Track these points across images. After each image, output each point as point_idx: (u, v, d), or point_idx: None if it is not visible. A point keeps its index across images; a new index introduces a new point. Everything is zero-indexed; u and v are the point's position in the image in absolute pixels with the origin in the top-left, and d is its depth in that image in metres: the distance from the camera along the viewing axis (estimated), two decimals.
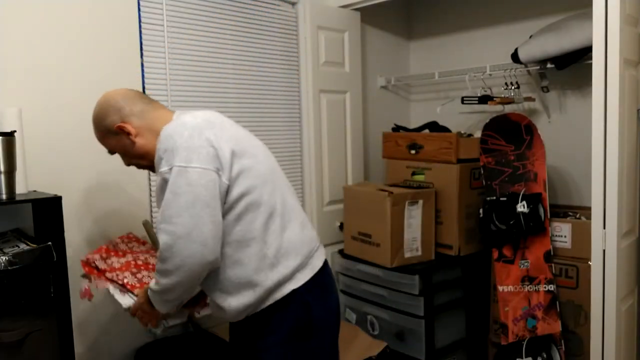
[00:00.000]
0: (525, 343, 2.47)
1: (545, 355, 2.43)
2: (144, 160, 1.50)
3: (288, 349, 1.42)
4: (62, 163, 2.10)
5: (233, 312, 1.42)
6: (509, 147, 2.65)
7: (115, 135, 1.50)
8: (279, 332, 1.42)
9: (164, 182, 1.30)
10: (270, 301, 1.41)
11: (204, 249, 1.28)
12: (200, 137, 1.31)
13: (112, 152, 1.56)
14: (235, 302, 1.40)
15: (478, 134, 2.87)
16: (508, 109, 2.90)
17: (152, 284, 1.43)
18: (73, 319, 1.88)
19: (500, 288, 2.53)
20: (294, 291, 1.41)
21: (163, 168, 1.30)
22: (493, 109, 2.99)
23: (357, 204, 2.72)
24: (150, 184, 2.38)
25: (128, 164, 1.57)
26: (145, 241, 2.01)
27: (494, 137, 2.69)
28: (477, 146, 2.70)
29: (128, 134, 1.48)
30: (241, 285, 1.39)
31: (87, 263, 1.78)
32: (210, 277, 1.41)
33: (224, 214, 1.34)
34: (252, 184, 1.37)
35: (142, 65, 2.34)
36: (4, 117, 1.86)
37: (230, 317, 1.46)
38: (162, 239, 1.28)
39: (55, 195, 1.85)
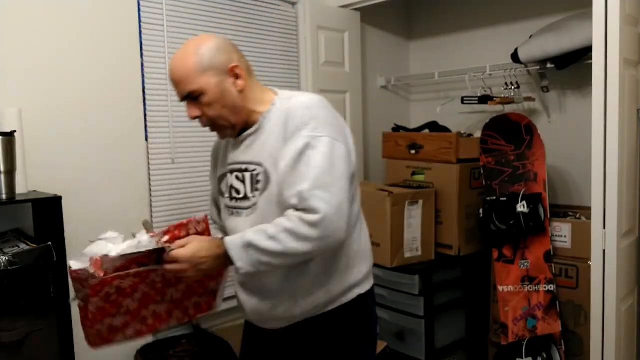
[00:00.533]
0: (525, 343, 2.47)
1: (545, 355, 2.43)
2: (235, 115, 1.32)
3: (352, 353, 1.40)
4: (62, 163, 2.10)
5: (299, 312, 1.36)
6: (509, 147, 2.65)
7: (220, 75, 1.29)
8: (344, 336, 1.39)
9: (307, 147, 1.23)
10: (338, 304, 1.38)
11: (346, 227, 1.22)
12: (339, 117, 1.34)
13: (194, 95, 1.29)
14: (310, 301, 1.36)
15: (478, 134, 2.87)
16: (508, 109, 2.90)
17: (261, 238, 1.21)
18: (73, 319, 1.88)
19: (500, 288, 2.53)
20: (359, 296, 1.40)
21: (312, 133, 1.24)
22: (493, 109, 2.98)
23: None
24: (150, 184, 2.38)
25: (210, 117, 1.31)
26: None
27: (494, 137, 2.68)
28: (477, 146, 2.70)
29: (237, 78, 1.32)
30: (319, 283, 1.35)
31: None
32: (300, 266, 1.31)
33: None
34: (355, 175, 1.37)
35: (142, 65, 2.34)
36: (4, 117, 1.86)
37: (291, 317, 1.37)
38: (317, 205, 1.18)
39: (55, 195, 1.85)
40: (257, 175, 1.32)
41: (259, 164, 1.32)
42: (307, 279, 1.33)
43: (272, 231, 1.20)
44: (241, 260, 1.21)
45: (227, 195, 1.42)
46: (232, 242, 1.22)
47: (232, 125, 1.33)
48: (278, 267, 1.27)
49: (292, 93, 1.39)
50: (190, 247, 1.23)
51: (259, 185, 1.32)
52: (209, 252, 1.23)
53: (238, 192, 1.37)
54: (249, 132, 1.35)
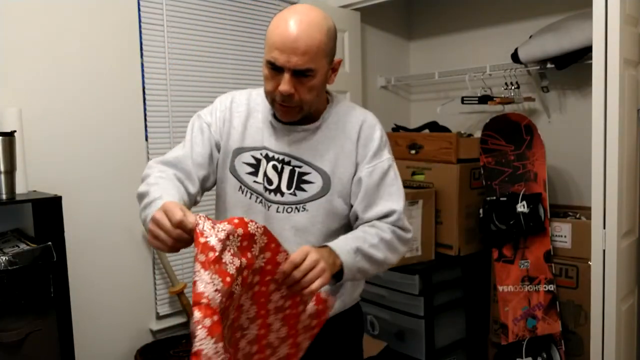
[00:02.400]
0: (525, 343, 2.47)
1: (545, 355, 2.43)
2: (312, 105, 1.23)
3: (358, 344, 1.49)
4: (62, 163, 2.10)
5: (350, 301, 1.40)
6: (509, 147, 2.65)
7: (329, 63, 1.22)
8: (353, 331, 1.45)
9: (390, 169, 1.32)
10: (353, 304, 1.42)
11: None
12: None
13: (306, 72, 1.15)
14: (359, 291, 1.43)
15: (478, 134, 2.87)
16: (508, 109, 2.90)
17: (365, 245, 1.19)
18: (73, 319, 1.88)
19: (500, 288, 2.53)
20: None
21: (389, 155, 1.33)
22: (493, 109, 2.98)
23: None
24: None
25: (303, 100, 1.19)
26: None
27: (494, 137, 2.68)
28: (477, 146, 2.70)
29: (334, 72, 1.26)
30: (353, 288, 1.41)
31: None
32: None
33: None
34: None
35: (142, 65, 2.34)
36: (4, 117, 1.86)
37: (341, 308, 1.36)
38: (408, 226, 1.30)
39: (55, 195, 1.85)
40: (304, 175, 1.25)
41: (312, 165, 1.25)
42: (346, 284, 1.33)
43: (373, 240, 1.21)
44: (348, 268, 1.15)
45: (253, 179, 1.28)
46: (341, 247, 1.16)
47: (308, 113, 1.24)
48: (365, 276, 1.27)
49: (342, 98, 1.37)
50: (313, 253, 1.06)
51: (307, 187, 1.25)
52: (328, 259, 1.10)
53: (271, 182, 1.26)
54: (307, 126, 1.27)
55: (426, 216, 2.65)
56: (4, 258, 1.66)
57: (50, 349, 1.81)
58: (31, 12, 2.02)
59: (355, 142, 1.27)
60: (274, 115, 1.27)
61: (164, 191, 1.13)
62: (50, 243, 1.77)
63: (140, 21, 2.32)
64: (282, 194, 1.26)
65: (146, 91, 2.36)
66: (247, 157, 1.28)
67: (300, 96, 1.17)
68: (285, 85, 1.14)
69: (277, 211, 1.26)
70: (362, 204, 1.26)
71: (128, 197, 2.30)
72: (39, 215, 1.96)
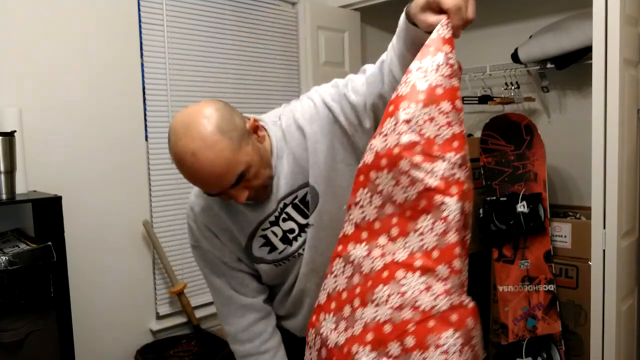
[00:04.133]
0: (525, 343, 2.46)
1: (545, 355, 2.43)
2: (269, 168, 1.12)
3: None
4: (62, 163, 2.10)
5: None
6: (509, 147, 2.65)
7: (249, 138, 1.06)
8: None
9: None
10: None
11: None
12: None
13: (243, 175, 1.03)
14: None
15: (478, 134, 2.87)
16: (508, 109, 2.90)
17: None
18: (73, 319, 1.88)
19: (500, 288, 2.53)
20: None
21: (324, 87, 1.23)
22: (493, 109, 2.98)
23: None
24: (150, 184, 2.38)
25: (257, 187, 1.09)
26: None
27: (494, 137, 2.68)
28: (477, 146, 2.70)
29: (257, 131, 1.10)
30: None
31: None
32: None
33: None
34: None
35: (142, 65, 2.34)
36: (4, 117, 1.86)
37: None
38: None
39: (55, 195, 1.85)
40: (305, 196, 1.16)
41: (294, 191, 1.15)
42: None
43: None
44: None
45: (278, 252, 1.20)
46: None
47: (270, 180, 1.13)
48: None
49: (269, 120, 1.20)
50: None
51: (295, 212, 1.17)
52: None
53: (286, 239, 1.18)
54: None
55: None
56: (4, 258, 1.66)
57: (50, 349, 1.81)
58: (31, 12, 2.02)
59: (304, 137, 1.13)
60: None
61: None
62: (50, 243, 1.77)
63: (140, 21, 2.32)
64: (290, 242, 1.19)
65: (146, 91, 2.36)
66: (259, 240, 1.19)
67: (255, 187, 1.07)
68: (239, 198, 1.05)
69: (301, 252, 1.19)
70: (360, 95, 1.10)
71: (128, 197, 2.30)
72: (39, 215, 1.96)
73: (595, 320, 2.04)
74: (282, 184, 1.14)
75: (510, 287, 2.52)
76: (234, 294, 1.24)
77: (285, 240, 1.18)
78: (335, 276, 0.94)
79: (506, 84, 2.87)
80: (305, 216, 1.16)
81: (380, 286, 0.85)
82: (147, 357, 2.25)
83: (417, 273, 0.82)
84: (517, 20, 3.02)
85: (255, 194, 1.10)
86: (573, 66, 2.60)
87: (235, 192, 1.04)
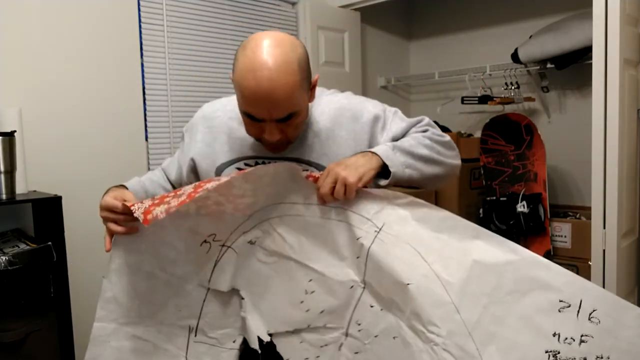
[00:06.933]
0: None
1: None
2: (302, 127, 1.14)
3: None
4: (62, 163, 2.10)
5: None
6: (509, 147, 2.65)
7: (308, 90, 1.09)
8: None
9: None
10: None
11: None
12: None
13: (289, 117, 1.04)
14: None
15: (478, 134, 2.87)
16: (508, 109, 2.90)
17: (420, 137, 1.14)
18: (73, 319, 1.88)
19: None
20: None
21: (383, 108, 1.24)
22: (493, 109, 2.98)
23: None
24: None
25: (290, 137, 1.10)
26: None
27: (494, 137, 2.68)
28: (477, 146, 2.70)
29: (312, 90, 1.13)
30: None
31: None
32: None
33: None
34: None
35: (142, 65, 2.34)
36: (4, 117, 1.86)
37: None
38: (439, 131, 1.20)
39: (55, 195, 1.85)
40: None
41: (313, 164, 1.16)
42: None
43: (408, 142, 1.13)
44: (389, 160, 1.08)
45: None
46: (377, 148, 1.10)
47: (295, 139, 1.14)
48: (423, 175, 1.14)
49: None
50: (333, 164, 1.06)
51: None
52: (356, 157, 1.08)
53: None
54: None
55: None
56: (4, 258, 1.66)
57: (50, 349, 1.81)
58: (31, 13, 2.02)
59: (352, 130, 1.16)
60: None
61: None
62: (50, 243, 1.77)
63: (140, 21, 2.32)
64: None
65: (146, 91, 2.36)
66: (234, 170, 1.18)
67: (288, 136, 1.08)
68: (271, 135, 1.05)
69: None
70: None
71: None
72: (39, 215, 1.96)
73: None
74: (293, 148, 1.15)
75: None
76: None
77: None
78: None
79: (506, 84, 2.87)
80: None
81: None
82: None
83: None
84: (517, 20, 3.02)
85: (278, 144, 1.10)
86: (573, 66, 2.60)
87: (275, 128, 1.05)
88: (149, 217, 0.97)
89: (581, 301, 0.84)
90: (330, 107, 1.19)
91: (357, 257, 1.05)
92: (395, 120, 1.19)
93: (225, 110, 1.23)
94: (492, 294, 0.92)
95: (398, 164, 1.08)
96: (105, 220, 1.08)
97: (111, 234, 1.09)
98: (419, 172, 1.11)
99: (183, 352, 1.12)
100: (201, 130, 1.23)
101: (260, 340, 1.10)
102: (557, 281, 0.86)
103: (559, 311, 0.85)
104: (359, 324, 1.07)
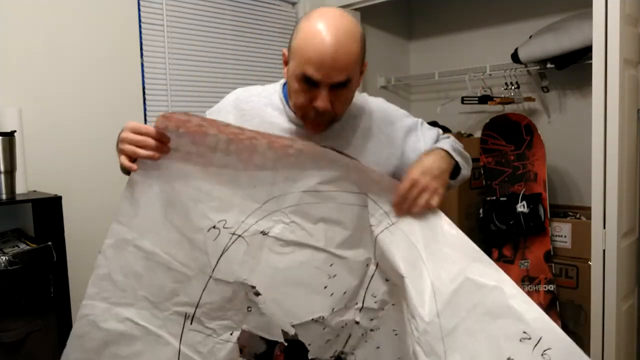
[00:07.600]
0: None
1: None
2: (343, 115, 1.18)
3: None
4: (62, 163, 2.10)
5: None
6: (509, 147, 2.66)
7: (360, 68, 1.16)
8: None
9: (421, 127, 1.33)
10: None
11: None
12: None
13: (343, 83, 1.08)
14: None
15: (478, 134, 2.87)
16: (508, 109, 2.90)
17: (452, 142, 1.23)
18: (73, 319, 1.88)
19: None
20: None
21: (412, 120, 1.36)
22: (493, 109, 2.98)
23: None
24: None
25: (337, 111, 1.12)
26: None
27: (494, 137, 2.69)
28: (477, 146, 2.70)
29: (362, 74, 1.18)
30: None
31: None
32: None
33: None
34: None
35: (142, 65, 2.34)
36: (4, 117, 1.86)
37: None
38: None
39: (55, 195, 1.85)
40: None
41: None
42: None
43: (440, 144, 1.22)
44: (453, 149, 1.19)
45: None
46: (453, 147, 1.20)
47: (339, 119, 1.17)
48: (465, 169, 1.24)
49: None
50: (415, 168, 1.10)
51: None
52: (434, 159, 1.13)
53: None
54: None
55: None
56: (4, 258, 1.66)
57: (50, 349, 1.80)
58: (31, 12, 2.02)
59: (389, 135, 1.24)
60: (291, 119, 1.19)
61: None
62: (50, 243, 1.77)
63: (140, 21, 2.32)
64: None
65: (146, 91, 2.36)
66: None
67: (335, 110, 1.10)
68: (323, 101, 1.06)
69: None
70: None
71: None
72: (39, 215, 1.96)
73: (595, 321, 2.04)
74: (327, 137, 1.16)
75: None
76: None
77: None
78: None
79: (506, 84, 2.87)
80: None
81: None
82: None
83: None
84: (517, 20, 3.02)
85: (323, 118, 1.11)
86: (573, 66, 2.60)
87: (327, 95, 1.07)
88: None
89: (541, 338, 0.92)
90: (369, 105, 1.25)
91: (369, 239, 1.12)
92: (425, 129, 1.27)
93: (260, 97, 1.26)
94: (472, 309, 0.99)
95: (462, 166, 1.18)
96: (131, 143, 1.11)
97: (128, 164, 1.12)
98: (467, 173, 1.20)
99: (177, 339, 1.10)
100: (233, 112, 1.23)
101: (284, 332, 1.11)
102: (529, 315, 0.94)
103: (520, 340, 0.93)
104: (375, 296, 1.14)
